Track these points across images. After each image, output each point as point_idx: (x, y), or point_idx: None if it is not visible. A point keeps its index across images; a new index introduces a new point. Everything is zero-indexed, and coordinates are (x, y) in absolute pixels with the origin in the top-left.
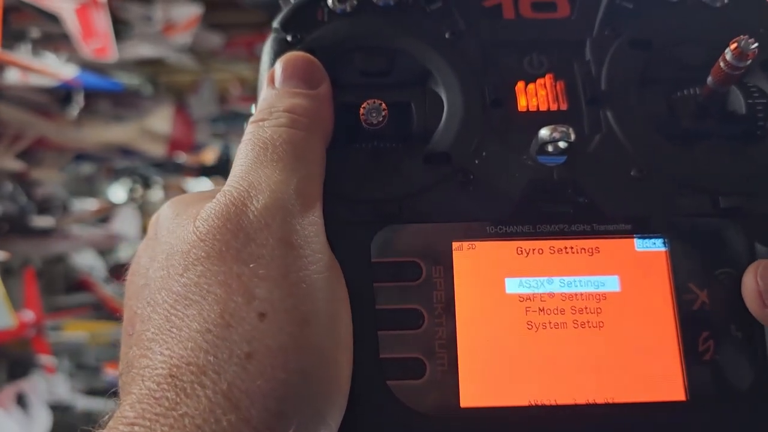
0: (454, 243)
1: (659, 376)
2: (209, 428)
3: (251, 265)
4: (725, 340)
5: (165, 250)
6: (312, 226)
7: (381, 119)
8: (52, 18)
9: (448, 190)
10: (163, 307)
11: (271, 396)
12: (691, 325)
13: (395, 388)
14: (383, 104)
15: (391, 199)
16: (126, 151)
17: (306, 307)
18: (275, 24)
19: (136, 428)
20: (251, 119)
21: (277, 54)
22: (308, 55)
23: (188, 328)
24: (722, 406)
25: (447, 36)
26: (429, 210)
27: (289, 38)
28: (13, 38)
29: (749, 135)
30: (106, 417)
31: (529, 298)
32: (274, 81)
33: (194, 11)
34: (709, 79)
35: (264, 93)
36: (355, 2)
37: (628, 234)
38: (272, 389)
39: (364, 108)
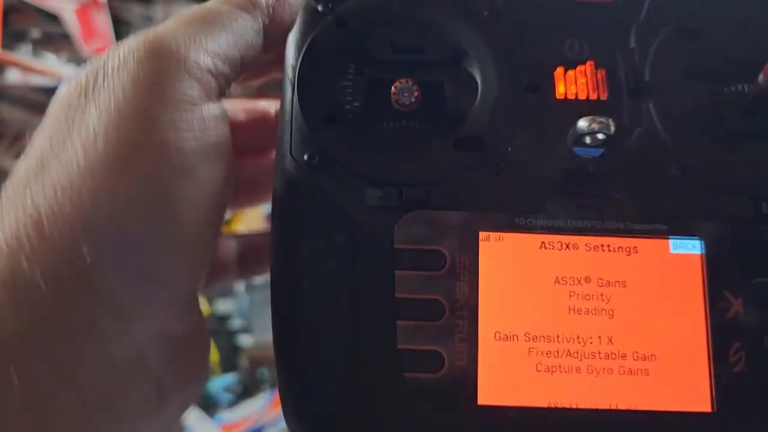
0: (480, 233)
1: (686, 385)
2: (10, 249)
3: (98, 98)
4: (757, 352)
5: None
6: (184, 68)
7: (413, 100)
8: (53, 18)
9: (478, 177)
10: None
11: (76, 218)
12: (723, 335)
13: (411, 380)
14: (416, 85)
15: (419, 183)
16: None
17: (135, 135)
18: None
19: None
20: None
21: (306, 24)
22: None
23: (23, 159)
24: (749, 419)
25: (485, 14)
26: (457, 197)
27: (320, 8)
28: (14, 38)
29: None
30: None
31: (558, 296)
32: None
33: None
34: (761, 76)
35: None
36: None
37: (664, 234)
38: (77, 210)
39: (396, 87)
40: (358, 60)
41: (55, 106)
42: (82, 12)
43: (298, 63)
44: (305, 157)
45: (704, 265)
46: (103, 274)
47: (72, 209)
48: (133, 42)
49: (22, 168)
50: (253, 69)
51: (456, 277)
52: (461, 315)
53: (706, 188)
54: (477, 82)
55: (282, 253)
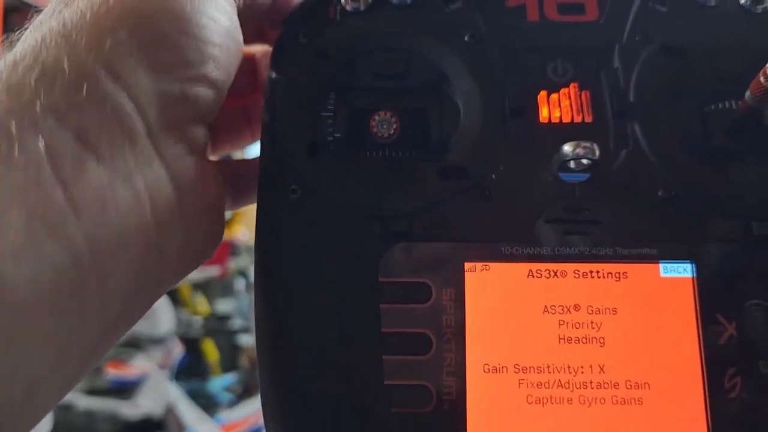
0: (466, 264)
1: (681, 413)
2: (37, 44)
3: None
4: (753, 377)
5: None
6: None
7: (392, 132)
8: None
9: (462, 206)
10: None
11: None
12: (718, 360)
13: (400, 416)
14: (394, 117)
15: (402, 214)
16: None
17: None
18: (284, 22)
19: None
20: None
21: (287, 55)
22: None
23: None
24: None
25: (466, 38)
26: (441, 227)
27: (300, 38)
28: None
29: None
30: None
31: (547, 325)
32: None
33: None
34: (747, 93)
35: None
36: (369, 0)
37: (654, 259)
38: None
39: (374, 120)
40: (339, 89)
41: None
42: None
43: (279, 94)
44: (287, 189)
45: (696, 288)
46: (121, 59)
47: (99, 15)
48: None
49: (47, 8)
50: None
51: (442, 310)
52: (449, 348)
53: (695, 210)
54: (460, 108)
55: (265, 287)
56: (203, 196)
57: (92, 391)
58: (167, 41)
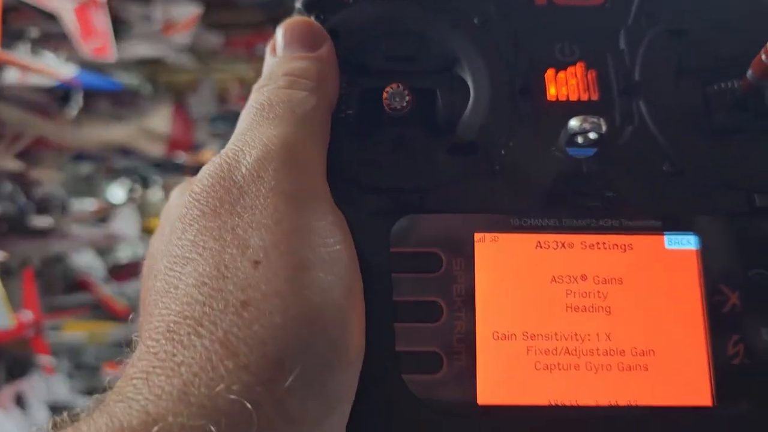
0: (476, 234)
1: (685, 380)
2: (206, 375)
3: (245, 216)
4: (756, 344)
5: (169, 222)
6: (311, 177)
7: (405, 104)
8: (51, 17)
9: (473, 180)
10: (163, 272)
11: (270, 342)
12: (721, 328)
13: (410, 382)
14: (407, 89)
15: (415, 189)
16: (125, 151)
17: (302, 252)
18: (298, 4)
19: (133, 381)
20: (253, 87)
21: None
22: (308, 18)
23: (185, 284)
24: (750, 412)
25: (476, 21)
26: (452, 200)
27: (312, 19)
28: (12, 38)
29: None
30: (110, 379)
31: (555, 294)
32: (276, 49)
33: (193, 11)
34: (749, 72)
35: (267, 61)
36: None
37: (658, 231)
38: (270, 335)
39: (387, 92)
40: (351, 69)
41: (184, 213)
42: (81, 11)
43: None
44: None
45: (700, 259)
46: (298, 400)
47: (264, 333)
48: (262, 151)
49: (189, 291)
50: None
51: (453, 279)
52: (459, 316)
53: (698, 183)
54: (469, 88)
55: None
56: None
57: (91, 392)
58: (331, 373)
